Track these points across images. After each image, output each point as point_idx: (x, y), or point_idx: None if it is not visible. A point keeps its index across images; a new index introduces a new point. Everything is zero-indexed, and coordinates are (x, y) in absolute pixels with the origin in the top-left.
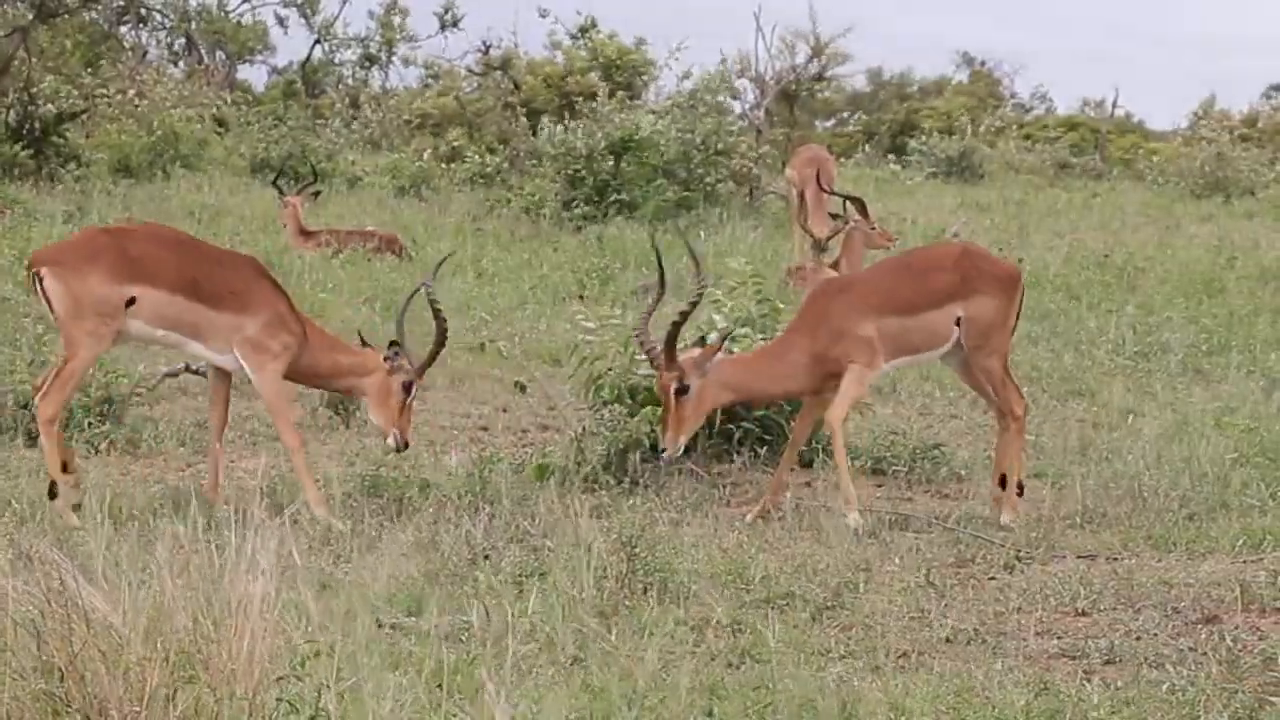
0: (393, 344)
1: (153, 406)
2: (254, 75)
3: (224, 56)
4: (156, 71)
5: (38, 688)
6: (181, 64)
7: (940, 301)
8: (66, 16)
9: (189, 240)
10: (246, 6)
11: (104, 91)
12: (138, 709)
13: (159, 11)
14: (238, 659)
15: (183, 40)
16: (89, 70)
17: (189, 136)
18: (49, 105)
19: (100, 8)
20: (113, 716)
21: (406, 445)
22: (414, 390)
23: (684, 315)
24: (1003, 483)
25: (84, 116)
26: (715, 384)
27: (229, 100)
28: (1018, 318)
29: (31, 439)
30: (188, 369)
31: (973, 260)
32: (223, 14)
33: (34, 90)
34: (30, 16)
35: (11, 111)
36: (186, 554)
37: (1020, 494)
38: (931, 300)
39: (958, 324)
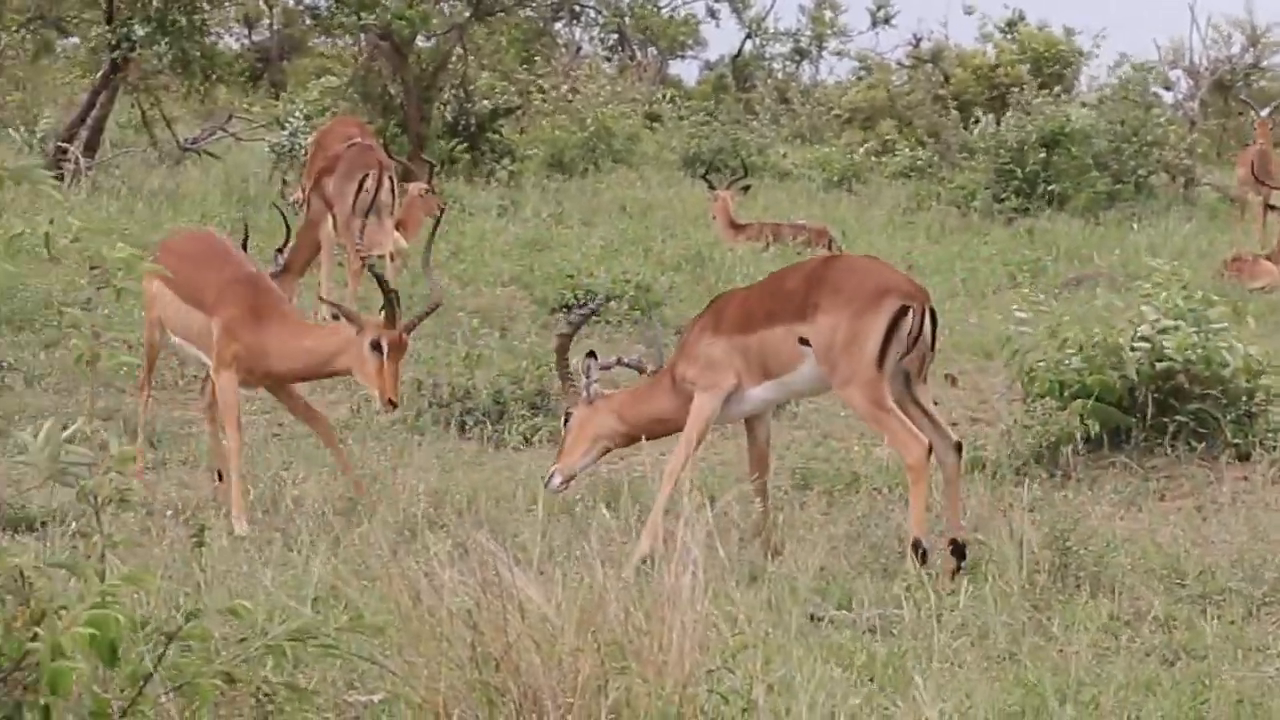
0: None
1: None
2: (685, 70)
3: (655, 52)
4: (590, 67)
5: (474, 677)
6: (614, 59)
7: (777, 319)
8: (502, 14)
9: None
10: (678, 0)
11: (538, 87)
12: (570, 699)
13: (592, 8)
14: (668, 650)
15: (615, 36)
16: (524, 66)
17: (621, 131)
18: (484, 101)
19: (535, 5)
20: (546, 706)
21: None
22: None
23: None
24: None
25: (518, 112)
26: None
27: (661, 95)
28: (902, 344)
29: (463, 430)
30: (619, 362)
31: (825, 271)
32: (654, 9)
33: (470, 87)
34: (468, 14)
35: (448, 108)
36: (618, 545)
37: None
38: (769, 318)
39: (805, 344)
